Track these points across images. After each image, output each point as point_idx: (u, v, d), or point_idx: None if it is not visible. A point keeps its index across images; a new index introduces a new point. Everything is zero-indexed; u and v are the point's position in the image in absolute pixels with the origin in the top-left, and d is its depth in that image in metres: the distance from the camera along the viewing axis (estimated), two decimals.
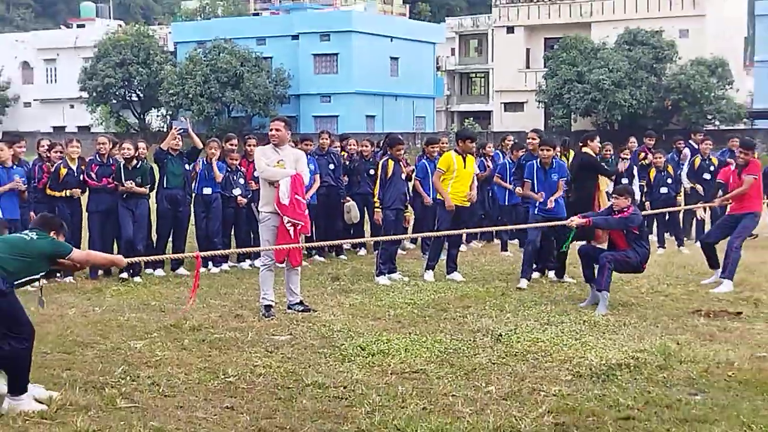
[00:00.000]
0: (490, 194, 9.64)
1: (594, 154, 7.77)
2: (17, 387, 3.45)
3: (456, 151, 7.20)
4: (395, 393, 3.78)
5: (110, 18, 44.00)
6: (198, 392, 3.87)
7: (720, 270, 6.98)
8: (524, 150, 8.59)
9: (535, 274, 7.44)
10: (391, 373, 4.17)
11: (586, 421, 3.42)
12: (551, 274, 7.52)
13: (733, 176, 7.32)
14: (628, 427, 3.35)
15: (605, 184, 7.68)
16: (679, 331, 5.36)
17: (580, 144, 7.86)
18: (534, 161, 7.29)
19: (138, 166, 7.20)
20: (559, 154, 7.83)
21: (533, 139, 7.84)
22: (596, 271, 6.19)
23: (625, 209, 6.04)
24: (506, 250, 9.27)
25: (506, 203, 9.14)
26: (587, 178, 7.42)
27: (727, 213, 7.60)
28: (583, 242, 6.64)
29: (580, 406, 3.61)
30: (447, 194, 7.03)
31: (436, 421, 3.33)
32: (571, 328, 5.48)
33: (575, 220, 6.16)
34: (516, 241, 9.48)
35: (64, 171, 7.13)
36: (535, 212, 7.18)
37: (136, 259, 5.36)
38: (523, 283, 6.99)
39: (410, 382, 4.00)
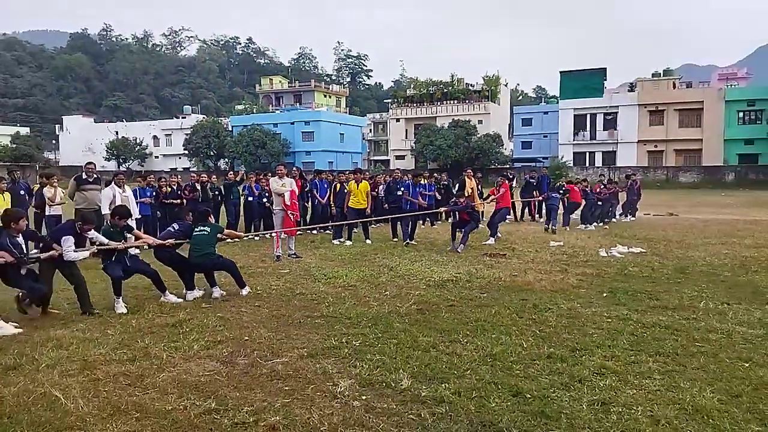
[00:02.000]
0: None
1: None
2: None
3: (355, 180, 12.50)
4: (340, 296, 7.31)
5: (199, 114, 79.18)
6: (241, 298, 7.20)
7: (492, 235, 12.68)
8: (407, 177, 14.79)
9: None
10: (338, 287, 7.81)
11: (431, 307, 6.68)
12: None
13: (493, 191, 14.10)
14: (451, 310, 6.57)
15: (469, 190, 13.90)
16: (476, 263, 9.60)
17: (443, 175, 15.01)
18: (410, 183, 13.44)
19: (210, 187, 13.91)
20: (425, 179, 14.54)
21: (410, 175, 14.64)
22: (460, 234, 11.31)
23: (463, 203, 11.32)
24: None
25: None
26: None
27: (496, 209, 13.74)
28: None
29: (428, 300, 7.02)
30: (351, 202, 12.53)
31: (360, 309, 6.66)
32: (425, 263, 9.58)
33: (441, 209, 12.14)
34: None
35: (167, 189, 13.00)
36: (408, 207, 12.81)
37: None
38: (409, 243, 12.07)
39: (347, 291, 7.59)
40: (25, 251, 6.42)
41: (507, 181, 14.58)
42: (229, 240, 9.59)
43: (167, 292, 7.19)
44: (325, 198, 13.93)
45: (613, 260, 10.12)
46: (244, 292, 7.42)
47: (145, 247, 7.78)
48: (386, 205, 13.53)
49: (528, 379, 4.42)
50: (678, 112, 50.35)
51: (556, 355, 4.94)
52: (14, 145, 60.65)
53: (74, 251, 6.60)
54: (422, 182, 14.22)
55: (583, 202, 16.03)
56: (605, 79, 57.45)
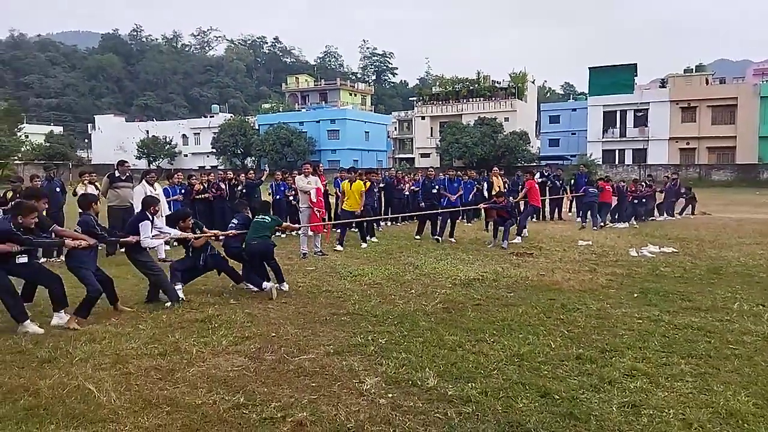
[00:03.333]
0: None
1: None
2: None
3: (348, 180, 11.76)
4: (366, 294, 7.33)
5: (227, 113, 79.75)
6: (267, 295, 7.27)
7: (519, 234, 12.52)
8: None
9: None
10: (364, 285, 7.82)
11: (457, 306, 6.67)
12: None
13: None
14: (478, 309, 6.53)
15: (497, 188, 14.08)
16: (503, 262, 9.48)
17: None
18: (445, 178, 13.51)
19: (237, 185, 13.98)
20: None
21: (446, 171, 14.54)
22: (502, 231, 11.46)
23: (503, 202, 11.60)
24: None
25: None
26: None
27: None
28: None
29: (454, 299, 7.02)
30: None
31: (385, 307, 6.70)
32: (451, 261, 9.49)
33: (481, 205, 12.75)
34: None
35: (200, 187, 12.92)
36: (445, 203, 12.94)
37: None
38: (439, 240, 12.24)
39: (373, 289, 7.61)
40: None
41: (532, 179, 14.52)
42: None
43: (244, 283, 7.56)
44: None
45: (643, 260, 9.93)
46: (285, 287, 7.53)
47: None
48: (422, 203, 13.30)
49: (556, 379, 4.37)
50: (711, 108, 49.10)
51: (586, 356, 4.86)
52: (48, 144, 62.21)
53: (150, 239, 6.88)
54: (461, 179, 13.81)
55: (614, 201, 15.79)
56: (636, 75, 56.28)
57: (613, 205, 15.81)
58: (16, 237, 5.62)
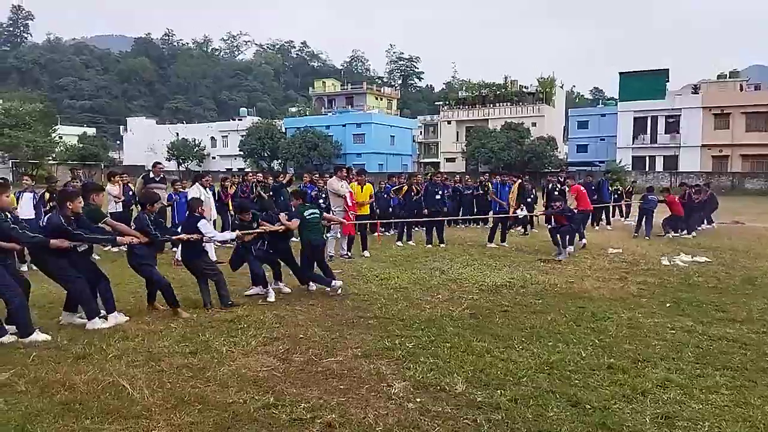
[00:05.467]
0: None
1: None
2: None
3: (358, 182, 11.18)
4: (392, 298, 7.33)
5: (254, 116, 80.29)
6: (296, 296, 7.33)
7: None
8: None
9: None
10: (390, 289, 7.82)
11: (485, 312, 6.61)
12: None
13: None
14: (506, 316, 6.43)
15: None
16: (530, 269, 9.38)
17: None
18: (497, 183, 13.95)
19: (263, 186, 13.24)
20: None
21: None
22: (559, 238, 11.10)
23: (560, 206, 11.60)
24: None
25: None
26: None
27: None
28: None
29: (482, 305, 6.96)
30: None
31: (412, 311, 6.68)
32: (478, 267, 9.42)
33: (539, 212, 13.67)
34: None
35: (233, 189, 12.95)
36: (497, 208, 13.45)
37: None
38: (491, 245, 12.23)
39: (399, 293, 7.60)
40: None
41: (575, 184, 13.97)
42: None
43: (281, 283, 7.71)
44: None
45: (676, 269, 9.72)
46: (337, 284, 7.56)
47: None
48: (425, 210, 12.29)
49: (587, 389, 4.31)
50: (745, 115, 47.91)
51: (617, 365, 4.78)
52: (81, 145, 63.72)
53: (216, 233, 7.20)
54: (511, 184, 13.39)
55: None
56: (668, 81, 55.24)
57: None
58: (69, 231, 5.69)
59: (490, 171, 25.43)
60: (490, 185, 15.39)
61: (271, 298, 7.21)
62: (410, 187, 12.99)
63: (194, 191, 10.09)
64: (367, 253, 10.85)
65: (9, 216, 5.72)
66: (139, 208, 6.92)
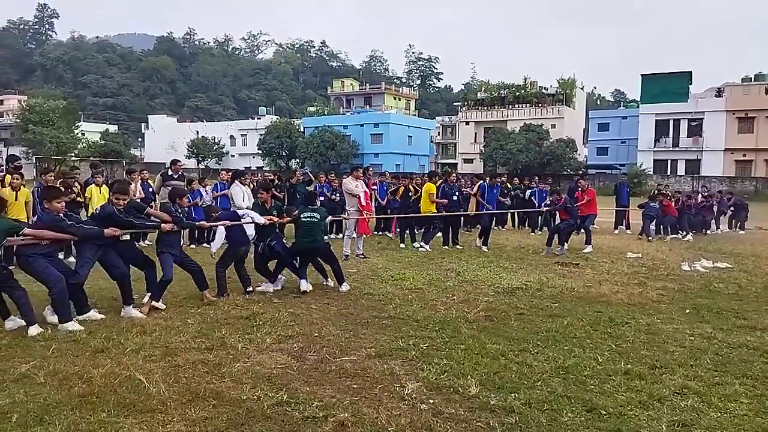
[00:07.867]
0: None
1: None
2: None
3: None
4: (407, 298, 7.32)
5: (273, 115, 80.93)
6: (312, 295, 7.35)
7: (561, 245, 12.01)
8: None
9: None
10: (405, 289, 7.82)
11: (500, 314, 6.56)
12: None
13: (579, 195, 13.16)
14: (521, 319, 6.42)
15: None
16: (547, 272, 9.29)
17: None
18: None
19: (280, 185, 13.50)
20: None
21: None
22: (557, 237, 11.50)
23: (562, 200, 11.84)
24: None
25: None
26: None
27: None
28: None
29: (497, 307, 6.91)
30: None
31: (427, 312, 6.65)
32: (494, 269, 9.37)
33: (543, 209, 13.79)
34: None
35: (252, 186, 11.81)
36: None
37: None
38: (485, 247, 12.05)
39: (414, 294, 7.59)
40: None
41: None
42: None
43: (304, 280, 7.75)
44: (384, 200, 14.47)
45: (696, 275, 9.57)
46: (344, 288, 7.62)
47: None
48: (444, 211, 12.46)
49: (603, 394, 4.25)
50: None
51: (634, 371, 4.72)
52: (103, 142, 64.74)
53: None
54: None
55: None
56: (690, 83, 54.38)
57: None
58: (120, 219, 6.10)
59: (508, 173, 25.50)
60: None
61: (278, 286, 7.68)
62: (406, 188, 13.06)
63: (237, 190, 10.29)
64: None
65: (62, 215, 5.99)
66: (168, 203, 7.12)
